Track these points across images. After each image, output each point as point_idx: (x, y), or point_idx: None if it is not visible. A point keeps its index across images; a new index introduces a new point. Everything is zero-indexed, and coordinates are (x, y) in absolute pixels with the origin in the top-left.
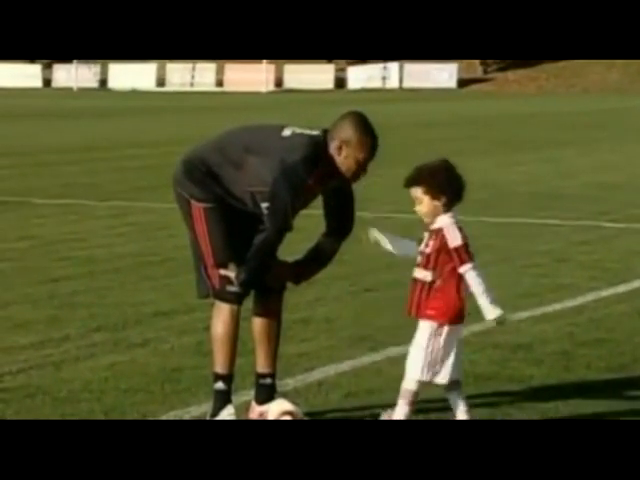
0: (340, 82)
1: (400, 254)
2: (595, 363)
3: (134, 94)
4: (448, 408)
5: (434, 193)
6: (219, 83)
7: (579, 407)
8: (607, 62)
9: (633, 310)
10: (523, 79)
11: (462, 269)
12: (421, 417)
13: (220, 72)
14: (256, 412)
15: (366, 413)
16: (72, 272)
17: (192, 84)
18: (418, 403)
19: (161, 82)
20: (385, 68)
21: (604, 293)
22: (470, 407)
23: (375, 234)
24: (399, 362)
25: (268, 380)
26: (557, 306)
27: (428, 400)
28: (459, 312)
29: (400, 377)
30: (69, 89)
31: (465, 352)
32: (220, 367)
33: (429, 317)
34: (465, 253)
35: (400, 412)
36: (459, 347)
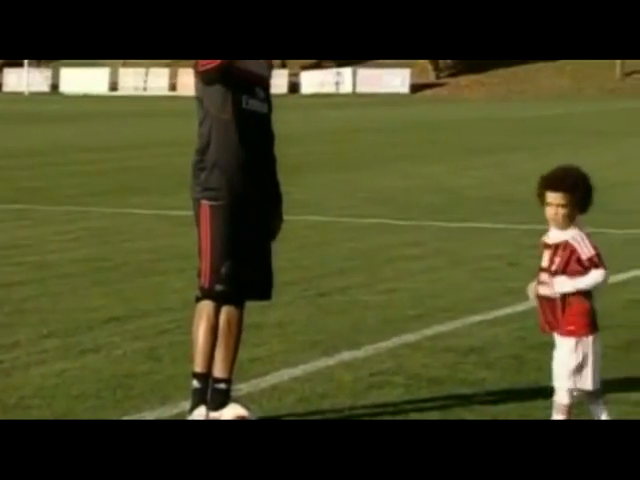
0: (293, 87)
1: None
2: (546, 366)
3: (86, 98)
4: (402, 411)
5: (577, 204)
6: (172, 87)
7: (530, 410)
8: (557, 68)
9: None
10: (475, 84)
11: (597, 271)
12: (388, 418)
13: (173, 76)
14: (209, 418)
15: (319, 418)
16: (24, 278)
17: (145, 88)
18: (379, 406)
19: (114, 86)
20: (338, 73)
21: None
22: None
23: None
24: (352, 367)
25: (223, 385)
26: (508, 310)
27: (387, 404)
28: (595, 321)
29: (353, 382)
30: (20, 93)
31: (418, 356)
32: (196, 365)
33: (571, 333)
34: (599, 260)
35: None
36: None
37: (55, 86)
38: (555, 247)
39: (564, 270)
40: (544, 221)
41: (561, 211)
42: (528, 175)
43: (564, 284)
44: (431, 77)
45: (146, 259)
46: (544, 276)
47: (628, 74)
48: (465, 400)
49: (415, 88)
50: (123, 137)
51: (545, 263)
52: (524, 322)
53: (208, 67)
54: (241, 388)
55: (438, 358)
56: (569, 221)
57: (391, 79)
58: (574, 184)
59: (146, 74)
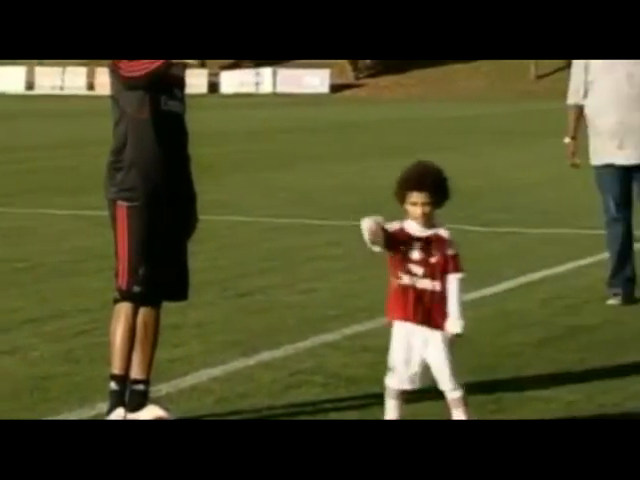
0: (213, 87)
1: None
2: (464, 364)
3: (2, 97)
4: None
5: (439, 201)
6: (90, 86)
7: (446, 408)
8: (471, 69)
9: (497, 312)
10: (393, 85)
11: (458, 276)
12: (306, 417)
13: (91, 75)
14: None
15: (238, 418)
16: None
17: (62, 87)
18: (297, 405)
19: (30, 85)
20: (258, 73)
21: (470, 296)
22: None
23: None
24: (272, 367)
25: (141, 386)
26: None
27: (306, 403)
28: None
29: (272, 382)
30: None
31: (337, 355)
32: (114, 367)
33: (443, 327)
34: (460, 261)
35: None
36: None
37: None
38: (426, 240)
39: (444, 262)
40: (457, 221)
41: (427, 209)
42: (447, 175)
43: (460, 316)
44: (350, 78)
45: (63, 260)
46: (418, 269)
47: (541, 77)
48: (383, 399)
49: (335, 88)
50: (40, 137)
51: (418, 256)
52: None
53: (140, 74)
54: (160, 389)
55: (357, 358)
56: (432, 217)
57: (311, 79)
58: (436, 182)
59: (63, 73)
